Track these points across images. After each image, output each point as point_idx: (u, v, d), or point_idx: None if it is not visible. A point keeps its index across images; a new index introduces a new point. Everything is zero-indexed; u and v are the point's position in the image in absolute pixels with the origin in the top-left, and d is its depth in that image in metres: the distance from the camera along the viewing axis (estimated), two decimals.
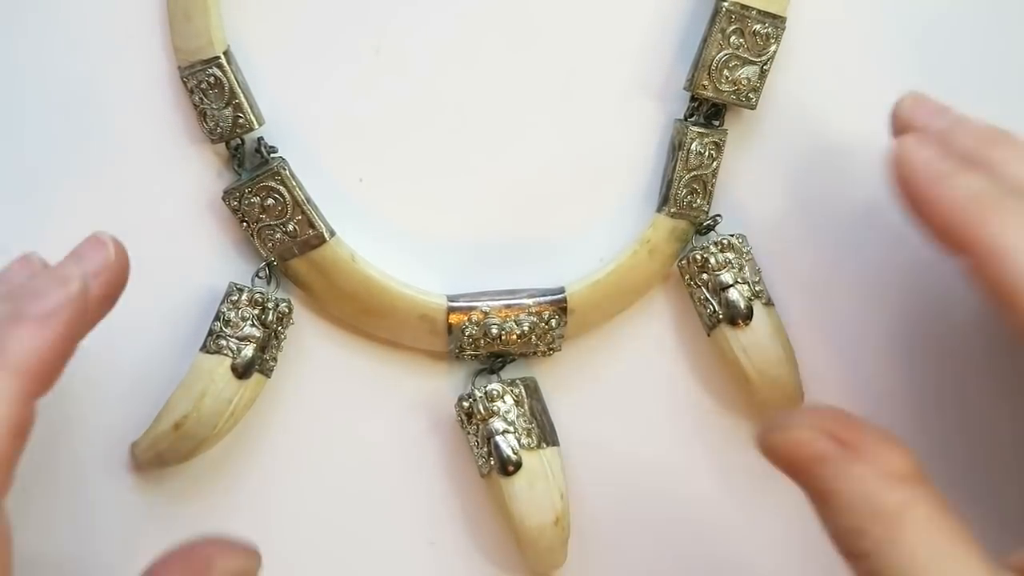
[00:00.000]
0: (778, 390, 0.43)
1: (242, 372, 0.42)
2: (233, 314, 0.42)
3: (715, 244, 0.43)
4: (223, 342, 0.42)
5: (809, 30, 0.44)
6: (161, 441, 0.42)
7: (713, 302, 0.43)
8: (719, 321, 0.43)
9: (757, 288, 0.43)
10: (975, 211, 0.36)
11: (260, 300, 0.42)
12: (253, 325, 0.42)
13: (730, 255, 0.43)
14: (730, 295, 0.43)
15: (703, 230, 0.44)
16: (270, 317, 0.42)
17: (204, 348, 0.42)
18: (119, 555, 0.43)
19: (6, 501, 0.35)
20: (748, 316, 0.43)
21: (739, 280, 0.43)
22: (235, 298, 0.42)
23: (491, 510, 0.44)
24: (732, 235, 0.44)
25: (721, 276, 0.43)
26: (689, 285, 0.44)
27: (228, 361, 0.42)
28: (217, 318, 0.42)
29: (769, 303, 0.44)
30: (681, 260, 0.44)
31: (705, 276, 0.43)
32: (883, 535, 0.35)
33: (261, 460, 0.44)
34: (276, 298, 0.42)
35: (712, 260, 0.43)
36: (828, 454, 0.36)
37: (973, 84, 0.45)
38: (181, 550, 0.37)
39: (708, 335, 0.44)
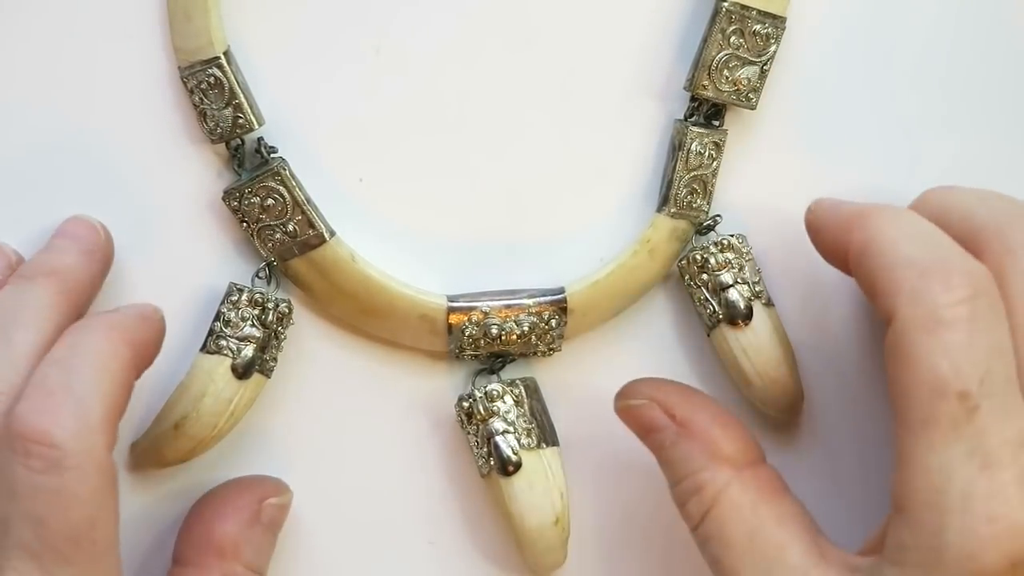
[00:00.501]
0: (778, 390, 0.43)
1: (242, 372, 0.42)
2: (233, 314, 0.42)
3: (715, 244, 0.43)
4: (223, 342, 0.42)
5: (809, 30, 0.44)
6: (161, 441, 0.42)
7: (713, 302, 0.43)
8: (719, 321, 0.43)
9: (757, 288, 0.43)
10: (855, 215, 0.39)
11: (260, 300, 0.42)
12: (253, 325, 0.42)
13: (730, 255, 0.43)
14: (730, 295, 0.43)
15: (703, 230, 0.44)
16: (270, 317, 0.42)
17: (204, 348, 0.42)
18: (133, 563, 0.44)
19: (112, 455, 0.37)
20: (748, 316, 0.43)
21: (739, 280, 0.43)
22: (235, 298, 0.42)
23: (491, 510, 0.44)
24: (732, 235, 0.44)
25: (721, 276, 0.43)
26: (689, 285, 0.44)
27: (228, 361, 0.42)
28: (217, 318, 0.42)
29: (769, 303, 0.44)
30: (681, 260, 0.44)
31: (705, 276, 0.43)
32: (701, 511, 0.39)
33: (261, 460, 0.44)
34: (276, 298, 0.42)
35: (712, 260, 0.43)
36: (661, 425, 0.41)
37: (973, 83, 0.45)
38: (228, 487, 0.42)
39: (708, 335, 0.44)
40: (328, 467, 0.44)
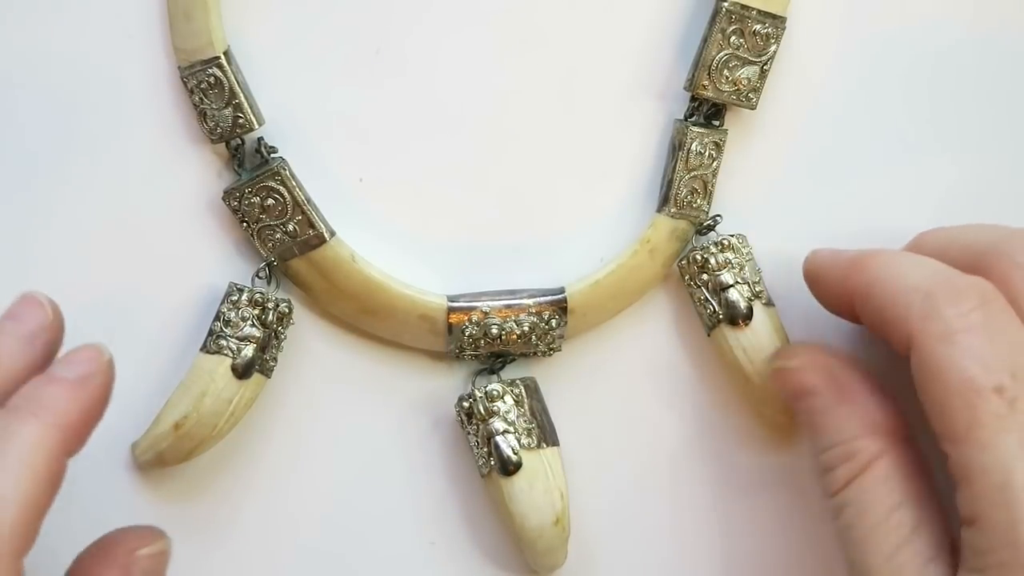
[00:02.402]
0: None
1: (242, 372, 0.42)
2: (233, 314, 0.42)
3: (715, 244, 0.43)
4: (223, 342, 0.42)
5: (809, 30, 0.44)
6: (161, 441, 0.42)
7: (713, 302, 0.43)
8: (719, 321, 0.43)
9: (757, 288, 0.43)
10: (853, 261, 0.40)
11: (260, 300, 0.42)
12: (253, 325, 0.42)
13: (730, 255, 0.43)
14: (730, 295, 0.43)
15: (703, 230, 0.44)
16: (270, 317, 0.42)
17: (204, 348, 0.42)
18: None
19: (24, 561, 0.35)
20: (748, 316, 0.43)
21: (739, 280, 0.43)
22: (235, 298, 0.42)
23: (491, 510, 0.44)
24: (732, 235, 0.44)
25: (721, 276, 0.43)
26: (689, 285, 0.44)
27: (228, 361, 0.42)
28: (217, 318, 0.42)
29: (769, 303, 0.44)
30: (681, 260, 0.44)
31: (705, 276, 0.43)
32: (849, 477, 0.39)
33: (261, 460, 0.44)
34: (276, 298, 0.42)
35: (712, 260, 0.43)
36: (818, 389, 0.40)
37: (973, 82, 0.45)
38: (98, 545, 0.39)
39: (708, 335, 0.44)
40: (328, 466, 0.44)
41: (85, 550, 0.39)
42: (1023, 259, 0.38)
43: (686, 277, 0.44)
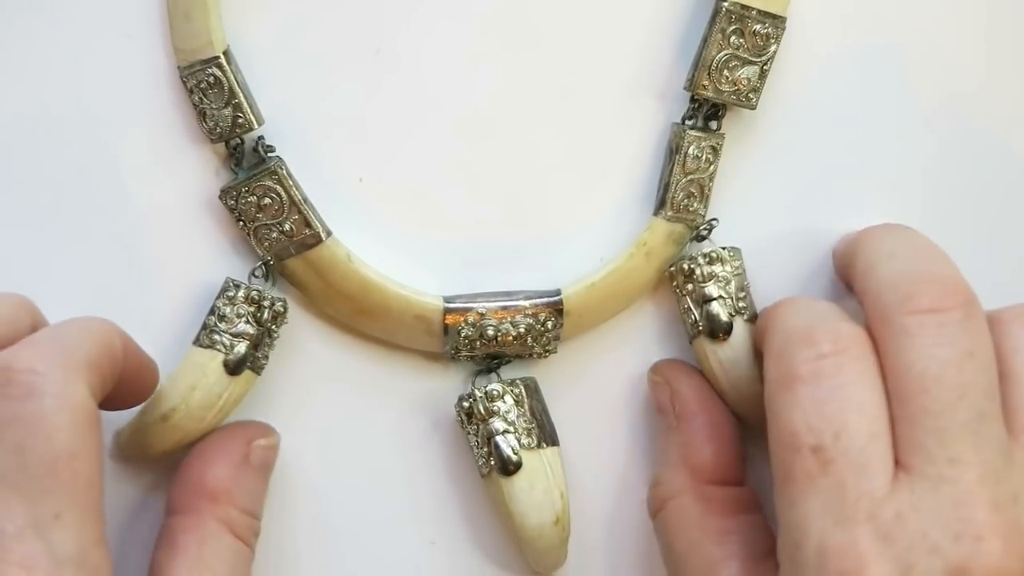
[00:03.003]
0: (750, 406, 0.43)
1: (234, 368, 0.42)
2: (228, 310, 0.42)
3: (704, 255, 0.43)
4: (216, 337, 0.42)
5: (809, 30, 0.44)
6: (148, 431, 0.42)
7: (695, 313, 0.43)
8: (699, 332, 0.43)
9: (740, 304, 0.43)
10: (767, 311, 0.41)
11: (256, 298, 0.42)
12: (248, 322, 0.42)
13: (718, 268, 0.43)
14: (712, 308, 0.43)
15: (699, 237, 0.44)
16: (265, 315, 0.42)
17: (197, 342, 0.42)
18: (118, 553, 0.44)
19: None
20: (727, 331, 0.43)
21: (724, 295, 0.43)
22: (231, 294, 0.42)
23: (491, 510, 0.44)
24: (725, 248, 0.43)
25: (706, 288, 0.43)
26: (675, 292, 0.44)
27: (221, 357, 0.42)
28: (212, 312, 0.42)
29: (752, 319, 0.43)
30: (671, 267, 0.44)
31: (690, 286, 0.43)
32: (655, 507, 0.42)
33: None
34: (272, 296, 0.42)
35: (698, 271, 0.43)
36: (665, 410, 0.43)
37: (974, 83, 0.44)
38: (219, 434, 0.42)
39: (690, 343, 0.44)
40: (327, 466, 0.45)
41: (199, 442, 0.42)
42: (896, 315, 0.37)
43: (674, 284, 0.44)
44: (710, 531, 0.40)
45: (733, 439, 0.42)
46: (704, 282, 0.43)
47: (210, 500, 0.41)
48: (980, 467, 0.35)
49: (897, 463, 0.36)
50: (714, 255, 0.43)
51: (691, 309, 0.43)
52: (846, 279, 0.42)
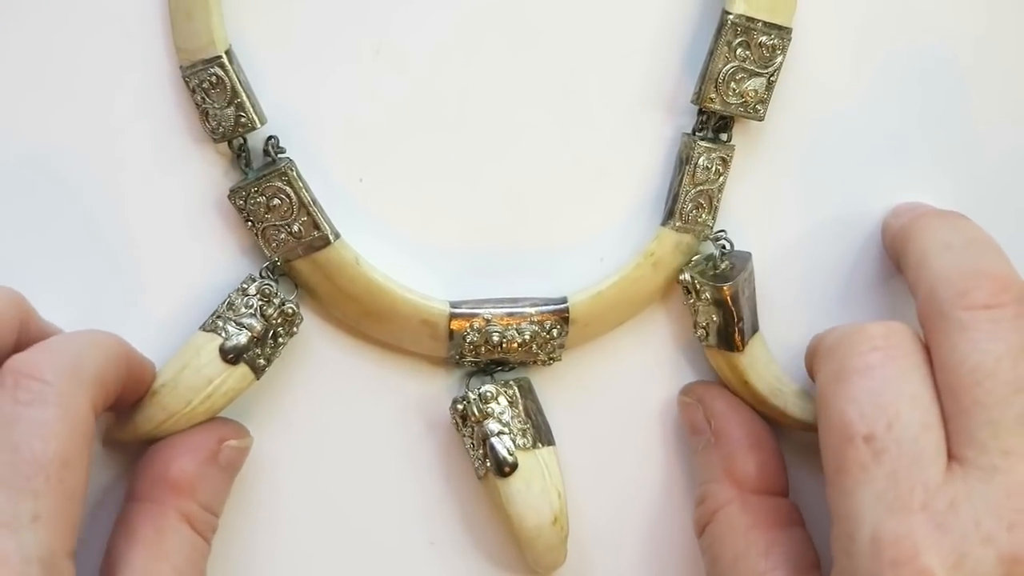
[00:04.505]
0: (768, 413, 0.44)
1: (228, 355, 0.42)
2: (239, 300, 0.42)
3: (706, 259, 0.44)
4: (220, 323, 0.42)
5: (815, 41, 0.44)
6: (133, 408, 0.42)
7: (703, 325, 0.43)
8: (711, 344, 0.43)
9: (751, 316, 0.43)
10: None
11: (268, 293, 0.42)
12: (254, 316, 0.42)
13: (727, 265, 0.43)
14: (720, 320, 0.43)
15: (717, 252, 0.44)
16: (272, 311, 0.42)
17: (202, 326, 0.42)
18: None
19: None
20: (741, 344, 0.43)
21: (736, 304, 0.43)
22: (246, 286, 0.42)
23: (490, 510, 0.44)
24: (736, 251, 0.44)
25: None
26: (688, 301, 0.44)
27: (219, 341, 0.42)
28: (224, 301, 0.42)
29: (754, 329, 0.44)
30: (682, 276, 0.44)
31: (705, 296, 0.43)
32: (702, 522, 0.42)
33: (260, 460, 0.44)
34: (283, 296, 0.42)
35: (698, 285, 0.43)
36: (700, 428, 0.43)
37: (981, 91, 0.45)
38: (189, 431, 0.41)
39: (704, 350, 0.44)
40: (329, 466, 0.44)
41: (173, 435, 0.42)
42: (951, 310, 0.38)
43: (687, 293, 0.44)
44: (756, 543, 0.40)
45: (774, 449, 0.42)
46: (715, 292, 0.43)
47: (173, 491, 0.41)
48: None
49: (950, 455, 0.36)
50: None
51: (699, 322, 0.43)
52: (895, 259, 0.42)
